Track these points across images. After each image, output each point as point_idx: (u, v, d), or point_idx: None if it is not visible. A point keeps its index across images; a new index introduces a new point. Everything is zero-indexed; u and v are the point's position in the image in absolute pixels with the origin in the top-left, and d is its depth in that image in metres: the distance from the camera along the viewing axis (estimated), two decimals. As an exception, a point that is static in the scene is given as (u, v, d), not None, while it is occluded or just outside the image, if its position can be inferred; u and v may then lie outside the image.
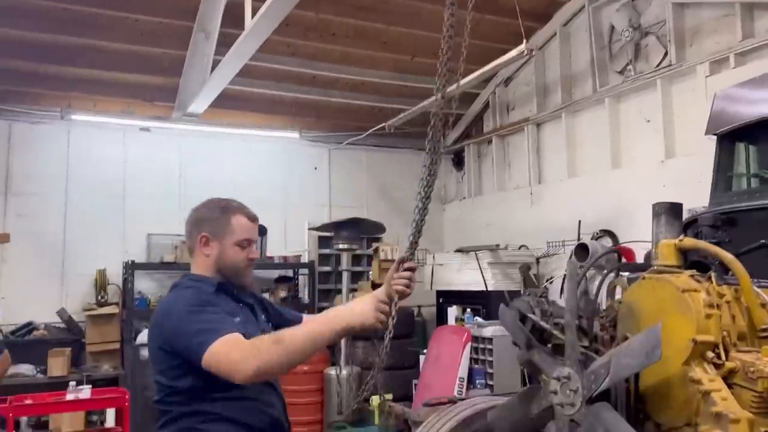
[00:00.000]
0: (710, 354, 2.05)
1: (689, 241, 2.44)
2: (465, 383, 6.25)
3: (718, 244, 3.48)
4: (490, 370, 6.60)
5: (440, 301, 8.34)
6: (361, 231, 7.36)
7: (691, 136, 6.19)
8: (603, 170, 7.04)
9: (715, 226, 3.56)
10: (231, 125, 8.61)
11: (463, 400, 3.45)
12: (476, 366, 6.48)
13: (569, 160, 7.67)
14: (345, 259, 7.32)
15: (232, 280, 2.31)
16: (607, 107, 7.09)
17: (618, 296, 2.72)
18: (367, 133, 8.72)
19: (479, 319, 7.01)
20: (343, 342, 7.00)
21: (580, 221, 7.01)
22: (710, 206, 3.71)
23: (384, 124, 8.22)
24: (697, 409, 2.02)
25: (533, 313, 2.55)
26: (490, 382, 6.55)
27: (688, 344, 2.03)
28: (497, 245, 7.54)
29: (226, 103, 7.82)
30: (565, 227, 7.37)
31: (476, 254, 7.43)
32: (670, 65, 6.37)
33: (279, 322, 2.45)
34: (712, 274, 2.19)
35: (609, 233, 6.75)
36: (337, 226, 7.29)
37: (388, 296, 2.10)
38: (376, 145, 9.55)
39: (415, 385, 7.29)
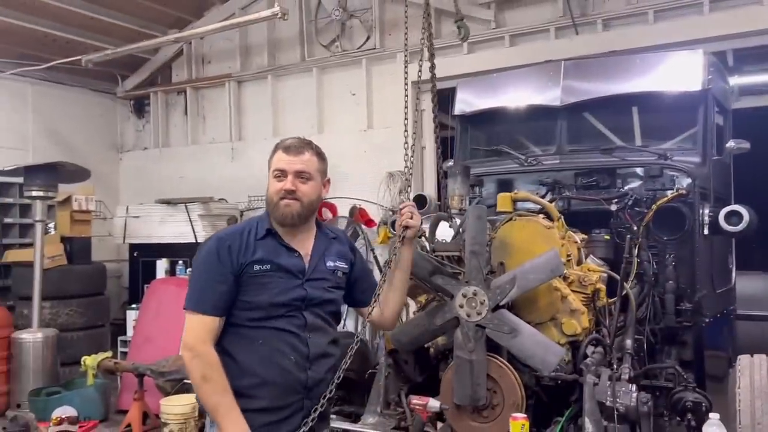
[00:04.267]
0: (563, 270, 3.00)
1: (521, 194, 3.36)
2: (192, 333, 6.32)
3: (474, 197, 4.63)
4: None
5: (134, 254, 7.96)
6: (61, 177, 6.51)
7: (387, 111, 7.42)
8: (308, 133, 7.72)
9: (474, 185, 4.69)
10: None
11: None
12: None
13: (274, 121, 8.18)
14: (39, 208, 6.40)
15: (274, 218, 2.29)
16: (315, 76, 7.84)
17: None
18: (53, 63, 7.56)
19: (193, 271, 7.05)
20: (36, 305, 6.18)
21: (289, 178, 7.64)
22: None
23: (80, 57, 7.29)
24: (558, 308, 2.95)
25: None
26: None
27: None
28: (211, 197, 7.61)
29: None
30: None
31: (186, 206, 7.38)
32: (374, 48, 7.46)
33: (357, 278, 2.48)
34: (560, 217, 3.15)
35: (311, 190, 7.55)
36: (30, 170, 6.32)
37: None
38: (45, 79, 8.32)
39: (123, 341, 6.95)
